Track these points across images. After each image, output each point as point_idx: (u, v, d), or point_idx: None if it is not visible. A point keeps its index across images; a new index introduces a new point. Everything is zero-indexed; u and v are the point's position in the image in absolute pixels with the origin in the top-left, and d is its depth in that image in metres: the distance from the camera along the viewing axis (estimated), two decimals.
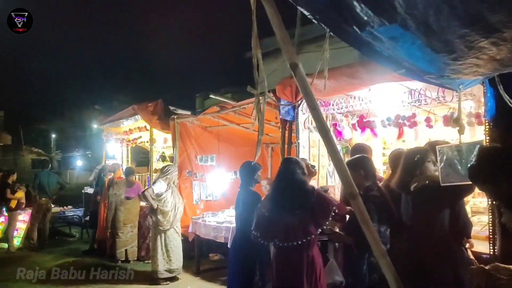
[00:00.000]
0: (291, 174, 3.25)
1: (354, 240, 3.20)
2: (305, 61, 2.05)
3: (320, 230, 3.14)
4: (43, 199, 9.02)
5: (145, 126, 8.37)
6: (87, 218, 10.15)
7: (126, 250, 7.81)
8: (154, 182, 6.63)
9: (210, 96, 5.97)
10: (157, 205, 6.48)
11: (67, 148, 33.82)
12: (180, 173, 7.60)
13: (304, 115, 5.19)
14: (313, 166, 5.00)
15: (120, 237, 7.77)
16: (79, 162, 30.44)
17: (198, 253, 7.26)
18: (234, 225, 6.33)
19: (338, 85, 4.28)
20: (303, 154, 5.29)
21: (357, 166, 3.39)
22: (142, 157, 12.84)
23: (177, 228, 6.71)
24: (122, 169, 9.36)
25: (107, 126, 9.77)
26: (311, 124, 5.18)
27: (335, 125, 5.01)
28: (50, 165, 10.03)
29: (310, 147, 5.38)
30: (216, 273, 7.15)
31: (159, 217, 6.49)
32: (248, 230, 4.25)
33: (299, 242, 3.09)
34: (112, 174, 8.48)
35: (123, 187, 7.92)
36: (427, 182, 3.12)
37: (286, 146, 5.53)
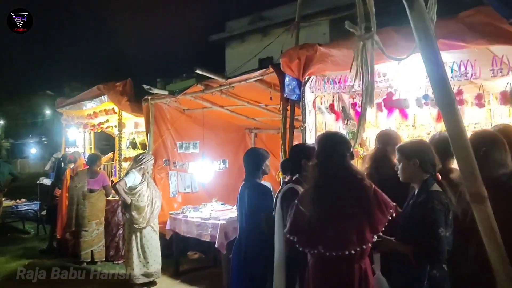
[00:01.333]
0: (341, 159, 2.47)
1: (413, 249, 2.49)
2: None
3: (376, 237, 2.41)
4: None
5: (113, 109, 7.35)
6: (44, 212, 9.01)
7: (92, 251, 6.83)
8: (127, 173, 5.70)
9: (196, 71, 5.08)
10: (131, 199, 5.58)
11: (17, 135, 31.43)
12: (154, 162, 6.68)
13: (312, 93, 4.42)
14: None
15: (85, 236, 6.78)
16: (33, 150, 28.14)
17: (177, 252, 6.41)
18: (222, 221, 5.54)
19: None
20: (310, 139, 4.54)
21: (411, 153, 2.68)
22: (104, 145, 11.70)
23: (154, 225, 5.83)
24: (84, 158, 8.35)
25: (67, 109, 8.61)
26: (322, 103, 4.42)
27: (354, 104, 4.26)
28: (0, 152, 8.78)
29: (316, 131, 4.64)
30: (197, 275, 6.35)
31: (134, 213, 5.59)
32: (257, 232, 3.50)
33: (352, 252, 2.34)
34: (73, 164, 7.44)
35: (85, 178, 6.92)
36: None
37: (288, 130, 4.76)
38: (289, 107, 4.76)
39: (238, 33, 17.80)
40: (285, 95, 4.42)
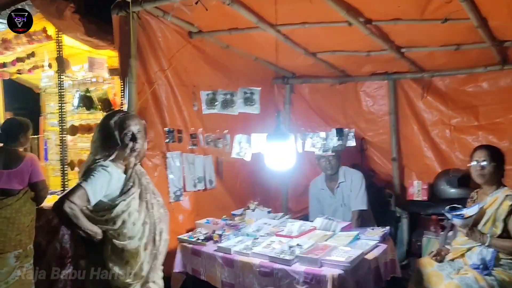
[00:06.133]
0: None
1: None
2: None
3: None
4: None
5: (44, 30, 3.84)
6: None
7: None
8: (89, 170, 2.35)
9: None
10: (106, 233, 2.34)
11: None
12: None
13: None
14: None
15: None
16: None
17: None
18: (336, 271, 2.50)
19: None
20: None
21: None
22: (18, 107, 7.81)
23: (155, 285, 2.59)
24: None
25: None
26: None
27: None
28: None
29: None
30: None
31: (114, 267, 2.34)
32: None
33: None
34: None
35: None
36: None
37: None
38: None
39: None
40: None
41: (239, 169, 4.49)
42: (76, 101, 4.09)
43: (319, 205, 4.01)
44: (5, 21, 3.97)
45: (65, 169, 3.83)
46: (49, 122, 5.56)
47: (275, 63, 4.50)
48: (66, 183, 3.86)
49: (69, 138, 4.12)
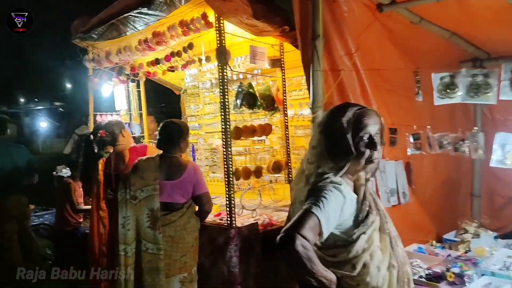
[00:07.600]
0: None
1: None
2: None
3: None
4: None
5: (204, 17, 3.30)
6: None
7: None
8: (318, 190, 1.64)
9: None
10: (341, 278, 1.66)
11: (15, 98, 22.26)
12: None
13: None
14: None
15: None
16: (42, 124, 21.28)
17: None
18: None
19: None
20: None
21: None
22: (157, 110, 7.67)
23: None
24: (133, 131, 4.64)
25: (95, 41, 4.46)
26: None
27: None
28: (7, 129, 5.09)
29: None
30: None
31: None
32: None
33: None
34: (114, 147, 3.76)
35: (154, 177, 3.07)
36: None
37: None
38: None
39: None
40: None
41: (429, 176, 3.62)
42: (238, 99, 3.51)
43: None
44: (156, 15, 3.55)
45: (231, 179, 3.26)
46: (190, 126, 5.20)
47: (483, 39, 3.52)
48: (232, 196, 3.29)
49: (218, 142, 3.58)
